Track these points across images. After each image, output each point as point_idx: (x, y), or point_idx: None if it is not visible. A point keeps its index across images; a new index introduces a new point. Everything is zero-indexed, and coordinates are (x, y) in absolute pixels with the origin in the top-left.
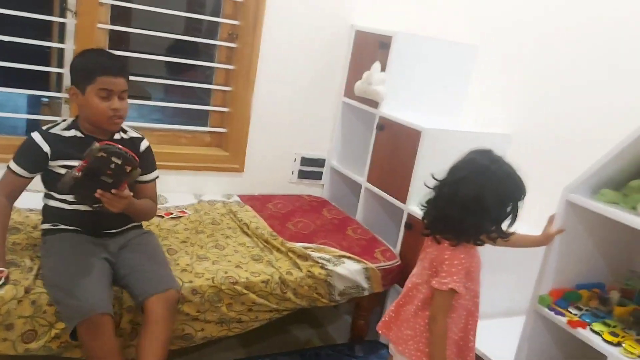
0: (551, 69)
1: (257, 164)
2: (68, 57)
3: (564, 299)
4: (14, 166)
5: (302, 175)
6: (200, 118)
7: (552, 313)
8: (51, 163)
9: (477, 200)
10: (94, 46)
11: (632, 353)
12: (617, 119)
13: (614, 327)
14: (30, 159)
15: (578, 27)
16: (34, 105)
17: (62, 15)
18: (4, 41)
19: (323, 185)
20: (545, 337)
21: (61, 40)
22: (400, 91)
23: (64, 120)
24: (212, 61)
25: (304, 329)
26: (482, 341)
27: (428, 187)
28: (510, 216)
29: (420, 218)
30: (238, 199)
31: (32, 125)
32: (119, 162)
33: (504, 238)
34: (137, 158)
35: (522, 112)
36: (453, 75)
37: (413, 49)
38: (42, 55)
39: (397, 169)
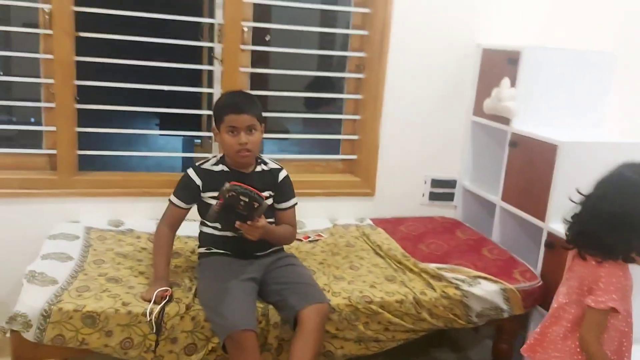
0: None
1: (388, 188)
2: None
3: None
4: (173, 199)
5: (434, 197)
6: (335, 147)
7: None
8: (203, 195)
9: (623, 216)
10: (238, 88)
11: None
12: None
13: None
14: (186, 191)
15: None
16: (188, 146)
17: (210, 63)
18: (163, 91)
19: (455, 206)
20: None
21: (210, 85)
22: (533, 106)
23: (214, 157)
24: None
25: (444, 352)
26: None
27: (573, 201)
28: None
29: (564, 232)
30: (370, 222)
31: (188, 163)
32: (247, 199)
33: None
34: (262, 195)
35: None
36: (589, 85)
37: (543, 62)
38: (195, 101)
39: (534, 185)
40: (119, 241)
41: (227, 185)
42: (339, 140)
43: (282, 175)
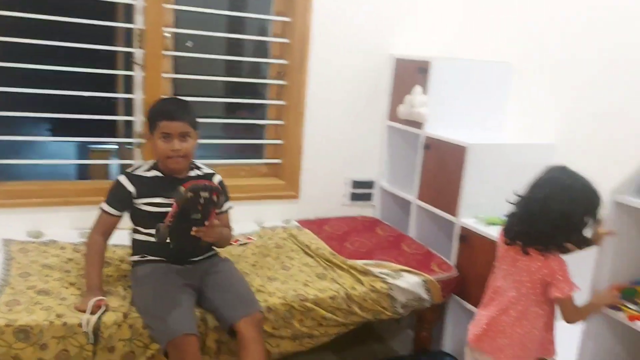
0: (588, 79)
1: (312, 190)
2: (137, 106)
3: (621, 295)
4: (105, 207)
5: (354, 197)
6: (255, 151)
7: (611, 310)
8: (136, 201)
9: (566, 216)
10: (161, 94)
11: None
12: None
13: None
14: (118, 199)
15: (609, 38)
16: (83, 152)
17: (128, 69)
18: (55, 96)
19: (374, 205)
20: (607, 334)
21: (128, 91)
22: (442, 111)
23: (145, 163)
24: (265, 99)
25: (370, 345)
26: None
27: (510, 202)
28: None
29: (503, 230)
30: (296, 223)
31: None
32: (207, 194)
33: (588, 244)
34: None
35: (563, 122)
36: (491, 92)
37: (451, 72)
38: (95, 106)
39: (446, 184)
40: (42, 252)
41: (181, 189)
42: (261, 145)
43: (216, 179)
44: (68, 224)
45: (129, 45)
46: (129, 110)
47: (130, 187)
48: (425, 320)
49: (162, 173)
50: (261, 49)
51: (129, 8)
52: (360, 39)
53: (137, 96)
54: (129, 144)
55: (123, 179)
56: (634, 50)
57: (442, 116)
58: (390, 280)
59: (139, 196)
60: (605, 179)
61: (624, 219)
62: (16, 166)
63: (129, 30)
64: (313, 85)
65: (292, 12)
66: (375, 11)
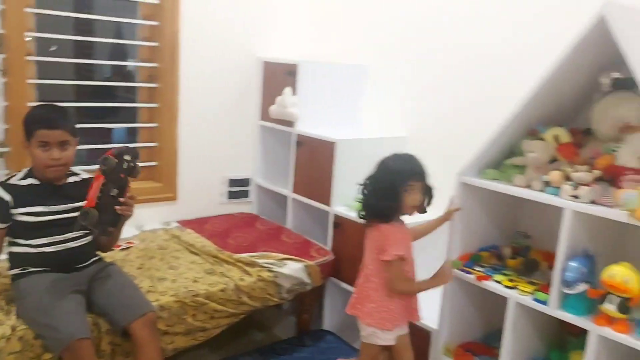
0: (433, 78)
1: (189, 191)
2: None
3: (470, 261)
4: None
5: (231, 195)
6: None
7: (463, 273)
8: (13, 211)
9: (384, 187)
10: (26, 100)
11: (525, 292)
12: (491, 113)
13: (510, 275)
14: None
15: (456, 41)
16: None
17: None
18: None
19: (251, 202)
20: (461, 295)
21: None
22: (310, 110)
23: (20, 172)
24: (134, 102)
25: (254, 334)
26: None
27: (359, 184)
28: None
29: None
30: (177, 224)
31: None
32: (129, 157)
33: (418, 210)
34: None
35: (413, 117)
36: (351, 92)
37: (316, 74)
38: None
39: (319, 177)
40: None
41: (104, 158)
42: None
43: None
44: None
45: None
46: None
47: (7, 197)
48: (306, 303)
49: (38, 180)
50: (118, 52)
51: None
52: (229, 43)
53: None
54: None
55: None
56: (473, 50)
57: (310, 115)
58: (275, 268)
59: (17, 206)
60: (452, 164)
61: (468, 196)
62: None
63: None
64: (185, 88)
65: (160, 16)
66: (241, 16)
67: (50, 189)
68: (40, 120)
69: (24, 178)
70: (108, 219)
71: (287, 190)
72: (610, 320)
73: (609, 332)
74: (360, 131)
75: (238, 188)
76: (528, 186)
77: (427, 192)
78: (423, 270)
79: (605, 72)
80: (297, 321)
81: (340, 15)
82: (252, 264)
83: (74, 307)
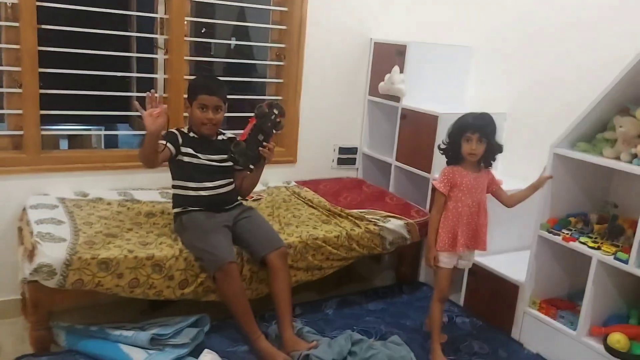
0: (533, 59)
1: (306, 156)
2: (159, 85)
3: (558, 224)
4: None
5: (341, 162)
6: None
7: (551, 235)
8: (181, 149)
9: (447, 134)
10: (182, 74)
11: (608, 252)
12: (584, 91)
13: (595, 238)
14: (170, 139)
15: (554, 23)
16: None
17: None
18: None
19: (357, 168)
20: (549, 255)
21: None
22: (416, 88)
23: (184, 127)
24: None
25: (358, 283)
26: (503, 268)
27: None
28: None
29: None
30: (295, 184)
31: None
32: (277, 111)
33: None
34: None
35: (512, 94)
36: (455, 71)
37: (423, 54)
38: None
39: (420, 147)
40: (93, 207)
41: (259, 105)
42: None
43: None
44: (107, 186)
45: (148, 31)
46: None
47: (179, 135)
48: (405, 256)
49: (197, 135)
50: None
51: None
52: (346, 26)
53: (159, 76)
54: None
55: (175, 130)
56: (567, 33)
57: (415, 92)
58: (380, 223)
59: (184, 145)
60: (547, 138)
61: (559, 166)
62: None
63: (144, 18)
64: (307, 66)
65: (290, 3)
66: (358, 2)
67: (206, 142)
68: (203, 87)
69: (188, 132)
70: (252, 155)
71: (390, 159)
72: None
73: None
74: (463, 107)
75: (347, 155)
76: (617, 158)
77: (491, 148)
78: (515, 235)
79: None
80: (395, 274)
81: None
82: (360, 218)
83: (224, 237)
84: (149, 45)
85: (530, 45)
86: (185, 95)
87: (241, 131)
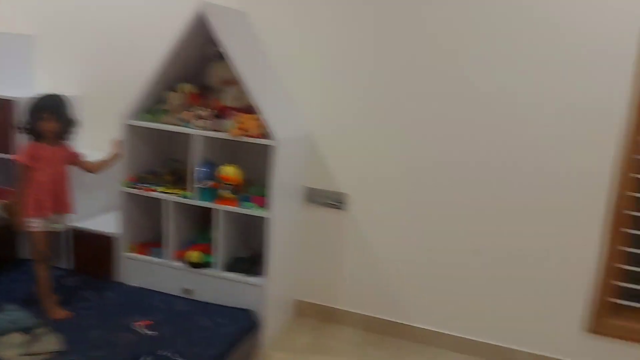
0: (98, 46)
1: None
2: None
3: (137, 180)
4: None
5: None
6: None
7: (132, 189)
8: None
9: (27, 116)
10: None
11: (178, 194)
12: (143, 73)
13: (165, 186)
14: None
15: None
16: None
17: None
18: None
19: None
20: (133, 206)
21: None
22: None
23: None
24: None
25: None
26: (100, 227)
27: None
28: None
29: None
30: None
31: None
32: None
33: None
34: None
35: (87, 77)
36: (19, 58)
37: None
38: None
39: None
40: None
41: None
42: None
43: None
44: None
45: None
46: None
47: None
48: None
49: None
50: None
51: None
52: None
53: None
54: None
55: None
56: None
57: None
58: None
59: None
60: (120, 113)
61: (132, 135)
62: None
63: None
64: None
65: None
66: None
67: None
68: None
69: None
70: None
71: None
72: (226, 201)
73: (227, 207)
74: (36, 91)
75: None
76: (173, 124)
77: (64, 124)
78: (105, 198)
79: (211, 47)
80: None
81: None
82: None
83: None
84: None
85: (92, 34)
86: None
87: None
